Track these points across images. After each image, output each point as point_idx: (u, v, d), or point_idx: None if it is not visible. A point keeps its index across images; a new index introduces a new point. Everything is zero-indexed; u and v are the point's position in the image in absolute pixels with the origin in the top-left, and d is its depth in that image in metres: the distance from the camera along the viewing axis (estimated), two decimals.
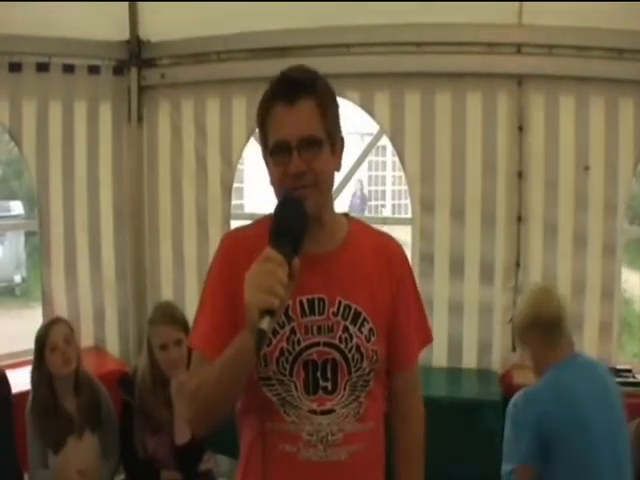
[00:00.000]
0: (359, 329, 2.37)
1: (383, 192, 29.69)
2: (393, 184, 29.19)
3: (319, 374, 2.36)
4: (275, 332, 2.30)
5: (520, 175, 5.47)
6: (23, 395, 4.72)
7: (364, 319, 2.38)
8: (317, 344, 2.35)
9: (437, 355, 5.62)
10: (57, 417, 4.49)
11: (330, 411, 2.37)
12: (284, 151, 2.25)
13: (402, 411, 2.63)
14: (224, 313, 2.32)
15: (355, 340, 2.37)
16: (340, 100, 5.84)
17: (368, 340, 2.38)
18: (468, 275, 5.60)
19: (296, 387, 2.35)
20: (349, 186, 6.55)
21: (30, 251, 15.42)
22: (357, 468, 2.41)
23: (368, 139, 6.70)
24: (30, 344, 4.80)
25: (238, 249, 2.31)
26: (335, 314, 2.36)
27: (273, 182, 2.32)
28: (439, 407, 4.58)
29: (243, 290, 2.07)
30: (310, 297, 2.34)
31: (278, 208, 2.25)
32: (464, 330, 5.57)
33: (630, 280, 11.58)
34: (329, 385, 2.37)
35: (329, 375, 2.36)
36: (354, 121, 12.60)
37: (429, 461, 2.72)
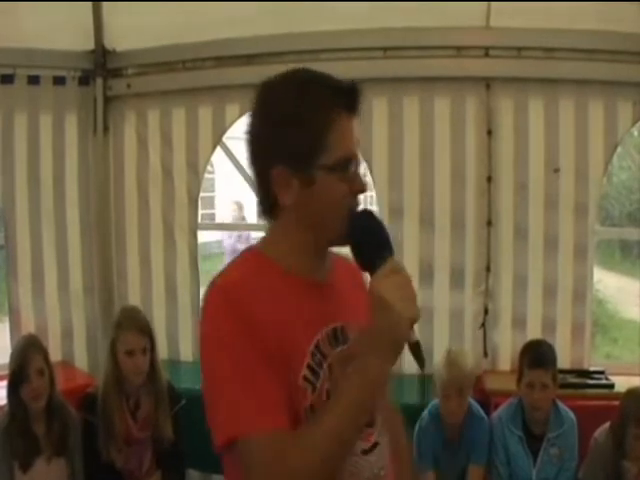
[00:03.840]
0: None
1: None
2: None
3: None
4: (315, 374, 1.99)
5: (489, 179, 5.44)
6: None
7: None
8: None
9: (408, 362, 5.51)
10: (26, 438, 4.48)
11: (375, 445, 2.12)
12: (350, 167, 2.02)
13: (394, 426, 2.38)
14: (267, 375, 1.88)
15: None
16: None
17: None
18: (438, 281, 5.55)
19: None
20: None
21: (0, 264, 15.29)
22: None
23: None
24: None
25: (245, 298, 1.93)
26: None
27: (330, 201, 2.00)
28: (411, 414, 4.56)
29: (273, 338, 1.87)
30: (333, 326, 2.07)
31: (368, 221, 2.03)
32: (435, 337, 5.51)
33: (603, 280, 11.65)
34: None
35: None
36: None
37: None
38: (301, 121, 1.97)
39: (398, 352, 1.89)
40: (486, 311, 5.47)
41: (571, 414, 4.51)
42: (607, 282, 11.45)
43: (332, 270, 2.16)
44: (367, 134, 5.60)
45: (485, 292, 5.48)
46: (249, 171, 2.10)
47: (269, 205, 2.06)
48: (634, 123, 5.38)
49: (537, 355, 4.51)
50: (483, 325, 5.46)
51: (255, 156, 2.05)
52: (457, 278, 5.51)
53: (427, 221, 5.55)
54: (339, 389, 1.92)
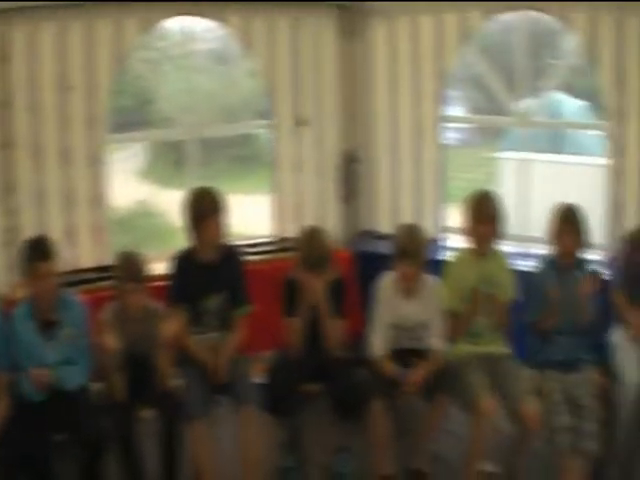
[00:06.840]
0: None
1: None
2: None
3: None
4: None
5: (5, 104, 5.66)
6: None
7: None
8: None
9: None
10: None
11: None
12: None
13: None
14: None
15: None
16: None
17: None
18: None
19: None
20: None
21: None
22: None
23: None
24: None
25: None
26: None
27: None
28: None
29: None
30: None
31: None
32: None
33: (159, 195, 12.38)
34: None
35: None
36: None
37: None
38: None
39: None
40: (11, 230, 5.73)
41: (77, 299, 4.91)
42: (162, 197, 12.10)
43: None
44: None
45: (10, 211, 5.74)
46: None
47: None
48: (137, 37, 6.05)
49: None
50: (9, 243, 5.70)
51: None
52: None
53: None
54: None
